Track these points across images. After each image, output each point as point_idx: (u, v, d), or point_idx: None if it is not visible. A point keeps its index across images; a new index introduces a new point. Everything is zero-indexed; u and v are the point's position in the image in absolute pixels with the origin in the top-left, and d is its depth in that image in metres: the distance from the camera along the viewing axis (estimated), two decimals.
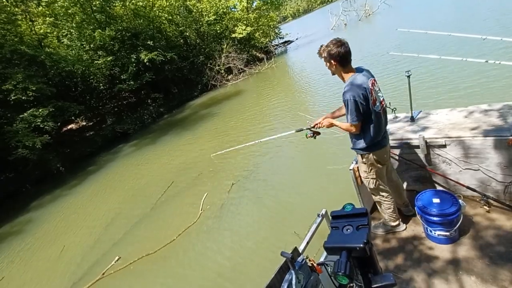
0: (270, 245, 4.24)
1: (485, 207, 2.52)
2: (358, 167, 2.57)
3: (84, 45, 17.70)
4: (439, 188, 2.82)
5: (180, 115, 17.59)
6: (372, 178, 2.43)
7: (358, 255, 1.36)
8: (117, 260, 5.17)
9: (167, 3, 21.63)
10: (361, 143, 2.30)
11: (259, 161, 7.16)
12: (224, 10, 24.21)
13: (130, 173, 10.38)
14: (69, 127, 18.42)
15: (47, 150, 13.23)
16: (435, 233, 2.36)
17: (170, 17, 22.07)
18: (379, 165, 2.37)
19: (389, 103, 3.05)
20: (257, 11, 26.31)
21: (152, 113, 19.02)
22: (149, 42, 18.59)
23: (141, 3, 19.54)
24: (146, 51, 17.88)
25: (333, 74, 2.25)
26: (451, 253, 2.28)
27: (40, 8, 17.04)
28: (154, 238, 5.52)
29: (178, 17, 22.69)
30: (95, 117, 18.94)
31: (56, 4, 16.91)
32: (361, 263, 1.40)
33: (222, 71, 21.61)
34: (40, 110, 12.79)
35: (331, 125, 2.43)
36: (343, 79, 2.19)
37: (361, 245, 1.32)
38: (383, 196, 2.51)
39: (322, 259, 2.31)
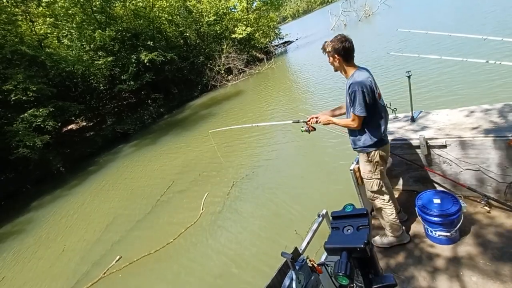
0: (270, 245, 4.24)
1: (485, 207, 2.51)
2: (358, 168, 2.55)
3: (84, 46, 17.72)
4: (439, 188, 2.81)
5: (180, 116, 17.60)
6: (376, 179, 2.33)
7: (358, 255, 1.35)
8: (117, 260, 5.18)
9: (167, 4, 21.65)
10: (367, 140, 2.21)
11: (259, 161, 7.16)
12: (224, 11, 24.24)
13: (130, 173, 10.38)
14: (69, 127, 18.44)
15: (47, 150, 13.25)
16: (435, 234, 2.35)
17: (170, 18, 22.09)
18: (384, 163, 2.32)
19: (390, 103, 3.05)
20: (257, 11, 26.34)
21: (152, 113, 19.04)
22: (149, 43, 18.61)
23: (141, 4, 19.55)
24: (146, 51, 17.90)
25: (336, 70, 2.22)
26: (452, 254, 2.28)
27: (40, 8, 17.06)
28: (154, 238, 5.52)
29: (178, 17, 22.71)
30: (95, 118, 18.95)
31: (56, 5, 16.92)
32: (361, 264, 1.40)
33: (222, 71, 21.63)
34: (40, 110, 12.81)
35: (329, 122, 2.36)
36: (346, 74, 2.17)
37: (362, 246, 1.31)
38: (384, 199, 2.39)
39: (322, 260, 2.31)
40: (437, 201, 2.37)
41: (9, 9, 14.73)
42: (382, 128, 2.19)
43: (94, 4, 17.24)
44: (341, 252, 1.35)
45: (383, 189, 2.38)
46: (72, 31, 17.53)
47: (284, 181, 5.93)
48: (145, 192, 8.09)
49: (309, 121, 2.55)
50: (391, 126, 3.04)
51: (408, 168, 2.95)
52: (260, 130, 9.44)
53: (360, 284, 1.41)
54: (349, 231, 1.47)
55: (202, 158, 8.88)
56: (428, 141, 2.62)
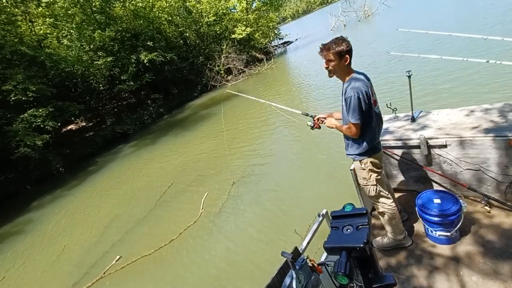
0: (270, 245, 4.24)
1: (486, 207, 2.50)
2: (355, 165, 2.54)
3: (84, 46, 17.73)
4: (439, 188, 2.81)
5: (180, 116, 17.60)
6: (372, 185, 2.29)
7: (358, 255, 1.35)
8: (117, 260, 5.18)
9: (167, 4, 21.67)
10: (360, 148, 2.19)
11: (259, 161, 7.16)
12: (224, 11, 24.27)
13: (130, 174, 10.38)
14: (69, 127, 18.44)
15: (47, 151, 13.26)
16: (435, 234, 2.35)
17: (170, 18, 22.11)
18: (378, 170, 2.27)
19: (390, 103, 3.05)
20: (256, 12, 26.38)
21: (152, 113, 19.04)
22: (149, 43, 18.62)
23: (140, 4, 19.58)
24: (146, 51, 17.91)
25: (331, 75, 2.13)
26: (452, 253, 2.28)
27: (40, 9, 17.08)
28: (154, 238, 5.52)
29: (178, 18, 22.73)
30: (94, 118, 18.95)
31: (56, 5, 16.94)
32: (361, 263, 1.40)
33: (222, 71, 21.64)
34: (40, 110, 12.82)
35: (333, 126, 2.30)
36: (343, 78, 2.10)
37: (361, 245, 1.31)
38: (385, 203, 2.34)
39: (322, 259, 2.31)
40: (437, 201, 2.37)
41: (8, 9, 14.74)
42: (376, 136, 2.17)
43: (93, 4, 17.27)
44: (341, 252, 1.35)
45: (382, 193, 2.33)
46: (71, 31, 17.55)
47: (284, 180, 5.94)
48: (145, 192, 8.09)
49: (317, 119, 2.52)
50: (391, 126, 3.03)
51: (408, 168, 2.94)
52: (260, 130, 9.45)
53: (359, 284, 1.41)
54: (348, 230, 1.47)
55: (202, 158, 8.88)
56: (428, 141, 2.61)
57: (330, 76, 2.14)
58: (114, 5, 18.67)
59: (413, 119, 3.00)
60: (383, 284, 1.33)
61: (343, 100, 2.08)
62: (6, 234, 9.12)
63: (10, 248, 7.89)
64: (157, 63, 18.21)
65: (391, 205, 2.35)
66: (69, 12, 17.04)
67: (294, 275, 1.75)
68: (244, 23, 24.26)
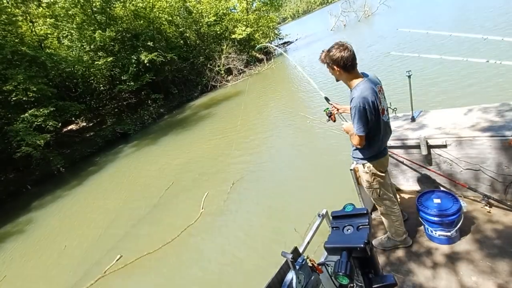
0: (270, 244, 4.24)
1: (486, 207, 2.51)
2: (358, 168, 2.55)
3: (85, 46, 17.74)
4: (439, 188, 2.81)
5: (180, 116, 17.61)
6: (375, 188, 2.28)
7: (358, 255, 1.35)
8: (118, 259, 5.20)
9: (167, 4, 21.68)
10: (364, 153, 2.17)
11: (259, 160, 7.17)
12: (224, 11, 24.28)
13: (130, 174, 10.39)
14: (70, 127, 18.46)
15: (48, 150, 13.29)
16: (436, 234, 2.35)
17: (170, 18, 22.12)
18: (381, 174, 2.24)
19: (390, 103, 3.05)
20: (256, 12, 26.38)
21: (152, 113, 19.06)
22: (149, 43, 18.64)
23: (141, 4, 19.59)
24: (146, 52, 17.93)
25: (338, 80, 2.08)
26: (452, 253, 2.28)
27: (41, 9, 17.10)
28: (155, 237, 5.53)
29: (178, 18, 22.74)
30: (95, 118, 18.98)
31: (57, 5, 16.96)
32: (361, 263, 1.40)
33: (222, 72, 21.65)
34: (41, 110, 12.84)
35: (347, 132, 2.19)
36: (349, 85, 2.02)
37: (362, 245, 1.32)
38: (388, 206, 2.34)
39: (322, 259, 2.31)
40: (437, 201, 2.37)
41: (9, 9, 14.75)
42: (381, 143, 2.14)
43: (94, 4, 17.28)
44: (341, 252, 1.35)
45: (385, 196, 2.32)
46: (72, 31, 17.56)
47: (284, 180, 5.94)
48: (145, 192, 8.10)
49: (333, 107, 2.49)
50: (391, 126, 3.04)
51: (408, 168, 2.95)
52: (261, 129, 9.46)
53: (360, 284, 1.42)
54: (349, 230, 1.47)
55: (202, 158, 8.89)
56: (428, 141, 2.62)
57: (337, 81, 2.10)
58: (114, 6, 18.68)
59: (413, 119, 3.01)
60: (383, 284, 1.33)
61: (350, 108, 2.01)
62: (7, 234, 9.14)
63: (11, 248, 7.91)
64: (158, 63, 18.23)
65: (394, 207, 2.35)
66: (70, 12, 17.05)
67: (294, 275, 1.75)
68: (244, 23, 24.27)
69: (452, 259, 2.24)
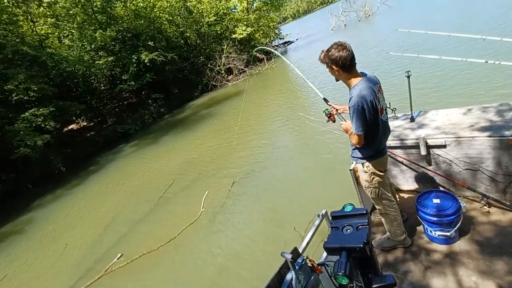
0: (270, 244, 4.25)
1: (485, 207, 2.51)
2: (358, 167, 2.55)
3: (85, 46, 17.75)
4: (439, 188, 2.81)
5: (180, 115, 17.63)
6: (374, 188, 2.30)
7: (358, 255, 1.36)
8: (119, 258, 5.23)
9: (168, 4, 21.69)
10: (363, 152, 2.19)
11: (259, 160, 7.18)
12: (225, 11, 24.26)
13: (131, 173, 10.41)
14: (70, 127, 18.47)
15: (48, 150, 13.28)
16: (435, 234, 2.35)
17: (171, 18, 22.11)
18: (380, 173, 2.25)
19: (389, 103, 3.06)
20: (257, 12, 26.37)
21: (153, 113, 19.08)
22: (149, 43, 18.63)
23: (141, 4, 19.60)
24: (146, 51, 17.93)
25: (337, 80, 2.10)
26: (451, 253, 2.28)
27: (41, 9, 17.11)
28: (155, 236, 5.55)
29: (179, 17, 22.73)
30: (96, 118, 18.99)
31: (57, 5, 16.98)
32: (361, 263, 1.41)
33: (223, 71, 21.65)
34: (41, 109, 12.84)
35: (346, 131, 2.22)
36: (348, 85, 2.04)
37: (361, 245, 1.32)
38: (387, 206, 2.35)
39: (322, 260, 2.31)
40: (436, 201, 2.38)
41: (10, 9, 14.76)
42: (380, 142, 2.14)
43: (95, 4, 17.28)
44: (341, 252, 1.36)
45: (384, 195, 2.33)
46: (73, 31, 17.58)
47: (284, 180, 5.95)
48: (146, 191, 8.12)
49: (332, 108, 2.50)
50: (390, 126, 3.05)
51: (408, 168, 2.95)
52: (261, 129, 9.47)
53: (359, 284, 1.42)
54: (348, 231, 1.48)
55: (203, 157, 8.91)
56: (428, 141, 2.62)
57: (337, 81, 2.12)
58: (115, 5, 18.67)
59: (412, 119, 3.01)
60: (383, 284, 1.33)
61: (349, 107, 2.03)
62: (8, 233, 9.16)
63: (12, 247, 7.93)
64: (158, 63, 18.24)
65: (393, 207, 2.36)
66: (71, 12, 17.06)
67: (294, 275, 1.76)
68: (245, 23, 24.25)
69: (452, 259, 2.24)
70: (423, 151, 2.66)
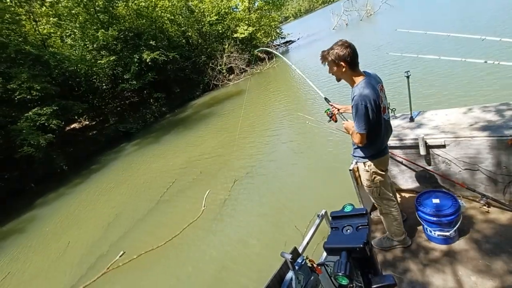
0: (270, 243, 4.27)
1: (484, 207, 2.52)
2: (357, 168, 2.56)
3: (87, 45, 17.80)
4: (438, 188, 2.82)
5: (182, 115, 17.66)
6: (375, 187, 2.30)
7: (358, 255, 1.36)
8: (121, 255, 5.26)
9: (170, 4, 21.70)
10: (365, 152, 2.18)
11: (260, 159, 7.20)
12: (226, 10, 24.25)
13: (133, 172, 10.45)
14: (72, 126, 18.53)
15: (51, 149, 13.34)
16: (434, 234, 2.36)
17: (172, 17, 22.13)
18: (382, 172, 2.25)
19: (389, 103, 3.07)
20: (258, 11, 26.35)
21: (155, 112, 19.11)
22: (151, 42, 18.67)
23: (143, 4, 19.62)
24: (148, 51, 17.96)
25: (339, 79, 2.09)
26: (451, 253, 2.29)
27: (44, 8, 17.16)
28: (157, 234, 5.59)
29: (180, 17, 22.74)
30: (98, 117, 19.04)
31: (60, 5, 17.04)
32: (361, 264, 1.41)
33: (224, 71, 21.65)
34: (44, 109, 12.90)
35: (347, 131, 2.19)
36: (352, 83, 2.03)
37: (361, 246, 1.32)
38: (388, 205, 2.35)
39: (322, 260, 2.32)
40: (436, 201, 2.38)
41: (13, 9, 14.81)
42: (382, 142, 2.14)
43: (97, 4, 17.32)
44: (341, 252, 1.37)
45: (385, 195, 2.33)
46: (75, 30, 17.64)
47: (284, 180, 5.96)
48: (148, 189, 8.16)
49: (333, 108, 2.50)
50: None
51: (407, 168, 2.96)
52: (262, 129, 9.47)
53: (359, 284, 1.43)
54: (348, 231, 1.48)
55: (204, 157, 8.93)
56: (427, 141, 2.62)
57: (338, 81, 2.11)
58: (117, 5, 18.72)
59: (411, 119, 3.02)
60: (383, 285, 1.33)
61: (351, 106, 2.02)
62: (11, 231, 9.22)
63: (15, 245, 7.99)
64: (160, 62, 18.27)
65: (394, 207, 2.36)
66: (73, 11, 17.11)
67: (294, 276, 1.76)
68: (246, 22, 24.22)
69: (451, 259, 2.25)
70: (422, 151, 2.67)
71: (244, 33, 22.97)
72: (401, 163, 2.96)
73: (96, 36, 16.84)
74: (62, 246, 6.72)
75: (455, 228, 2.28)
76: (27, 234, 8.45)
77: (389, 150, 2.87)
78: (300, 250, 2.07)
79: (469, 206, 2.61)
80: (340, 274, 1.26)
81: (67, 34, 18.21)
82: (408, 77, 2.79)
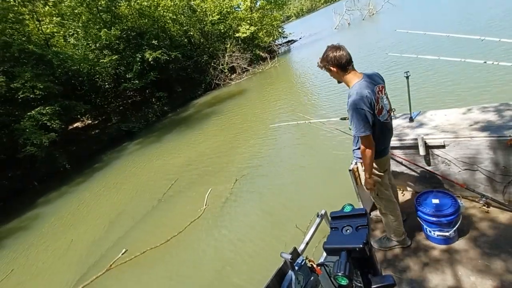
0: (270, 243, 4.29)
1: (484, 207, 2.52)
2: (357, 168, 2.56)
3: (90, 44, 17.87)
4: (438, 188, 2.82)
5: (184, 114, 17.69)
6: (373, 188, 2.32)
7: (357, 255, 1.37)
8: (123, 253, 5.31)
9: (172, 3, 21.73)
10: None
11: (261, 159, 7.22)
12: (228, 10, 24.23)
13: (135, 171, 10.50)
14: (75, 125, 18.62)
15: (53, 148, 13.41)
16: (434, 234, 2.37)
17: (175, 17, 22.15)
18: (379, 173, 2.26)
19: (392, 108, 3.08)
20: (260, 10, 26.29)
21: (157, 111, 19.16)
22: (153, 42, 18.71)
23: (146, 3, 19.66)
24: (150, 50, 18.00)
25: (339, 82, 2.12)
26: (451, 254, 2.30)
27: (47, 8, 17.26)
28: (159, 232, 5.63)
29: (182, 16, 22.76)
30: (100, 116, 19.11)
31: (63, 4, 17.11)
32: (360, 264, 1.42)
33: (226, 70, 21.67)
34: (47, 108, 12.98)
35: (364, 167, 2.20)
36: (347, 85, 2.05)
37: (361, 246, 1.33)
38: (387, 206, 2.36)
39: (321, 260, 2.33)
40: (435, 201, 2.39)
41: (16, 8, 14.90)
42: (378, 143, 2.12)
43: (99, 3, 17.38)
44: (340, 252, 1.38)
45: (384, 195, 2.34)
46: (78, 30, 17.70)
47: (285, 180, 5.98)
48: (150, 188, 8.20)
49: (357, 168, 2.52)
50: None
51: (407, 168, 2.97)
52: (263, 128, 9.49)
53: (359, 284, 1.44)
54: (348, 231, 1.49)
55: (206, 156, 8.96)
56: (427, 141, 2.63)
57: (339, 83, 2.14)
58: (119, 4, 18.78)
59: (411, 120, 3.02)
60: (382, 285, 1.34)
61: (347, 110, 2.02)
62: (14, 229, 9.30)
63: (18, 243, 8.06)
64: (162, 62, 18.31)
65: (393, 207, 2.37)
66: (76, 11, 17.18)
67: (293, 276, 1.77)
68: (248, 21, 24.21)
69: (451, 259, 2.26)
70: (422, 151, 2.67)
71: (246, 33, 22.96)
72: (401, 163, 2.97)
73: (99, 35, 16.90)
74: (65, 244, 6.78)
75: (454, 228, 2.29)
76: (30, 232, 8.52)
77: (389, 150, 2.89)
78: (300, 250, 2.08)
79: (469, 206, 2.61)
80: (339, 274, 1.26)
81: (70, 33, 18.28)
82: (407, 77, 2.80)
